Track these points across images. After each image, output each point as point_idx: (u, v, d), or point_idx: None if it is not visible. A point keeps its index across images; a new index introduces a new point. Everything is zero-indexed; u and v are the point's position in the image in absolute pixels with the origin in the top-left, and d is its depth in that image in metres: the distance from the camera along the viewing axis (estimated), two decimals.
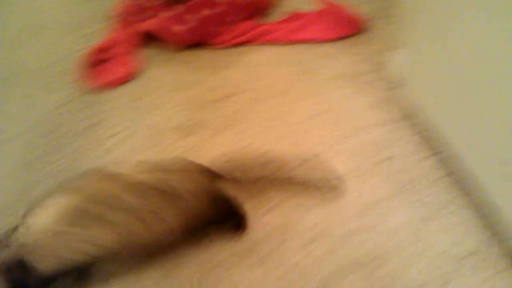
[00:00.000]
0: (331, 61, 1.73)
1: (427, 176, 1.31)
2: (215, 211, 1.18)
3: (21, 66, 1.85)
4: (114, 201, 1.07)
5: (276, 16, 1.98)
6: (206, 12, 1.84)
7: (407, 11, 1.34)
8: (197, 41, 1.84)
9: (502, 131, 1.01)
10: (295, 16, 1.93)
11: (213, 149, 1.45)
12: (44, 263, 1.06)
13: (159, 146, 1.48)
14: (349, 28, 1.83)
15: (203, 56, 1.82)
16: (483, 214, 1.20)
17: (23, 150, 1.51)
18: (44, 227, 1.04)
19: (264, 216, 1.26)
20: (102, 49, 1.82)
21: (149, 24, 1.86)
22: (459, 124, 1.18)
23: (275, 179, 1.32)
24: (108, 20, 1.99)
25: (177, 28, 1.82)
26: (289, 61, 1.75)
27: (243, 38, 1.86)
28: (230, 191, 1.23)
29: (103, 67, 1.77)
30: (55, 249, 1.06)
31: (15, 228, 1.07)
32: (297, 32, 1.86)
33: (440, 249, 1.15)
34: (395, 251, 1.15)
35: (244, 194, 1.28)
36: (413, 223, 1.21)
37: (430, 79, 1.27)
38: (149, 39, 1.87)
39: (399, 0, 1.58)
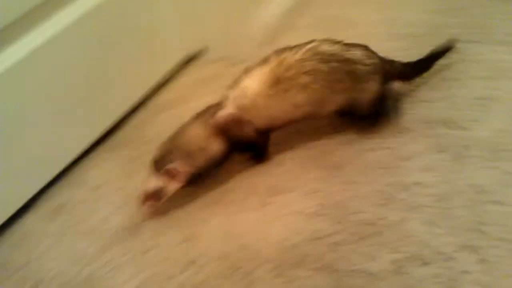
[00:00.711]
0: None
1: None
2: (375, 99, 1.38)
3: None
4: (310, 69, 1.30)
5: None
6: None
7: None
8: None
9: None
10: None
11: None
12: (258, 121, 1.34)
13: None
14: None
15: None
16: None
17: None
18: (258, 91, 1.30)
19: None
20: None
21: None
22: None
23: None
24: None
25: None
26: None
27: None
28: None
29: None
30: (268, 111, 1.32)
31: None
32: None
33: None
34: None
35: None
36: None
37: None
38: None
39: None
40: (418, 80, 1.50)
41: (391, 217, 1.20)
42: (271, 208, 1.30)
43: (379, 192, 1.26)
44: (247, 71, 1.34)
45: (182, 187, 1.31)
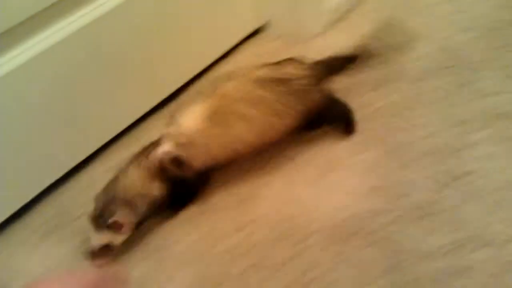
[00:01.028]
0: None
1: None
2: (325, 103, 1.32)
3: None
4: (249, 97, 1.21)
5: None
6: None
7: None
8: None
9: None
10: None
11: None
12: (198, 160, 1.22)
13: None
14: None
15: None
16: None
17: None
18: (195, 127, 1.19)
19: None
20: None
21: None
22: None
23: None
24: None
25: None
26: None
27: None
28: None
29: None
30: (208, 147, 1.20)
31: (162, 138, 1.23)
32: None
33: None
34: None
35: None
36: None
37: None
38: None
39: None
40: (480, 73, 1.53)
41: (445, 203, 1.22)
42: (327, 181, 1.32)
43: (434, 178, 1.28)
44: (181, 106, 1.26)
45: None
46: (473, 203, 1.22)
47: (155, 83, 1.52)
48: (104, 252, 1.17)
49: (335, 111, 1.39)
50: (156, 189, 1.21)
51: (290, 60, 1.32)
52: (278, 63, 1.30)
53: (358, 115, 1.44)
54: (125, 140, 1.51)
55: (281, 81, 1.24)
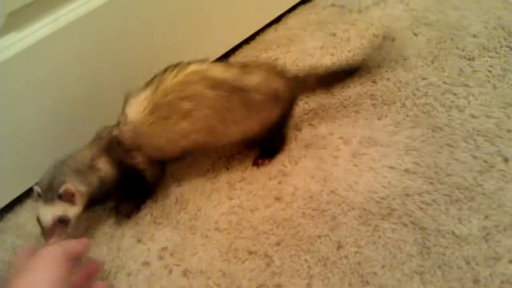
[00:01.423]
0: None
1: None
2: (272, 126, 1.26)
3: None
4: (196, 95, 1.15)
5: None
6: None
7: None
8: None
9: None
10: None
11: None
12: (144, 150, 1.20)
13: None
14: None
15: None
16: None
17: None
18: (139, 117, 1.16)
19: None
20: None
21: None
22: None
23: None
24: None
25: None
26: None
27: None
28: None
29: None
30: (152, 139, 1.18)
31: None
32: None
33: None
34: None
35: None
36: None
37: None
38: None
39: None
40: None
41: (486, 185, 1.18)
42: (363, 159, 1.30)
43: (478, 160, 1.23)
44: (129, 95, 1.20)
45: (84, 212, 1.17)
46: None
47: (205, 44, 1.52)
48: (58, 228, 1.09)
49: (272, 139, 1.33)
50: (106, 167, 1.18)
51: (264, 66, 1.26)
52: (247, 66, 1.24)
53: (410, 88, 1.42)
54: None
55: (236, 89, 1.18)
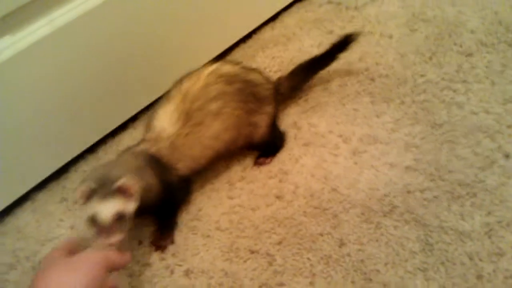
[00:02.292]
0: None
1: None
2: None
3: None
4: (223, 94, 1.19)
5: None
6: None
7: None
8: None
9: None
10: None
11: None
12: (181, 163, 1.18)
13: None
14: None
15: None
16: None
17: None
18: (172, 129, 1.16)
19: None
20: None
21: None
22: None
23: None
24: None
25: None
26: None
27: None
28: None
29: None
30: (188, 148, 1.17)
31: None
32: None
33: None
34: None
35: None
36: None
37: None
38: None
39: None
40: None
41: (489, 181, 1.18)
42: (363, 156, 1.29)
43: (479, 156, 1.23)
44: (154, 111, 1.21)
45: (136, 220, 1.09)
46: None
47: (201, 44, 1.51)
48: (117, 226, 1.01)
49: (273, 137, 1.34)
50: (148, 171, 1.13)
51: (254, 69, 1.32)
52: (246, 67, 1.29)
53: (409, 85, 1.41)
54: None
55: (248, 82, 1.24)
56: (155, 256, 1.18)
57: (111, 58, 1.28)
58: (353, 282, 1.08)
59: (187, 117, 1.16)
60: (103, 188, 1.01)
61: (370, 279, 1.08)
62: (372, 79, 1.46)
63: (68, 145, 1.30)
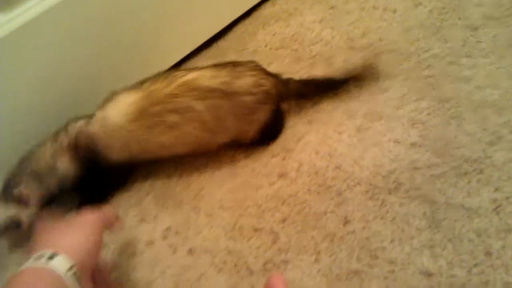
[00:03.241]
0: None
1: None
2: (266, 125, 1.23)
3: None
4: (183, 108, 1.12)
5: None
6: None
7: None
8: None
9: None
10: None
11: None
12: (114, 153, 1.15)
13: None
14: None
15: None
16: None
17: None
18: (119, 121, 1.12)
19: None
20: None
21: None
22: None
23: None
24: None
25: None
26: None
27: None
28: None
29: None
30: (127, 145, 1.14)
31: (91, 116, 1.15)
32: None
33: None
34: None
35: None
36: None
37: None
38: None
39: None
40: None
41: (496, 157, 1.16)
42: (368, 133, 1.27)
43: (486, 131, 1.21)
44: (114, 94, 1.15)
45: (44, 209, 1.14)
46: None
47: (194, 27, 1.49)
48: (13, 227, 1.10)
49: (268, 133, 1.28)
50: (64, 163, 1.14)
51: (252, 68, 1.20)
52: (236, 68, 1.18)
53: (413, 60, 1.38)
54: None
55: (229, 95, 1.14)
56: (157, 235, 1.17)
57: (108, 39, 1.26)
58: (358, 259, 1.07)
59: (140, 116, 1.11)
60: (5, 191, 1.08)
61: (376, 256, 1.06)
62: (376, 55, 1.43)
63: None
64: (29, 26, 1.07)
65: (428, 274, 1.02)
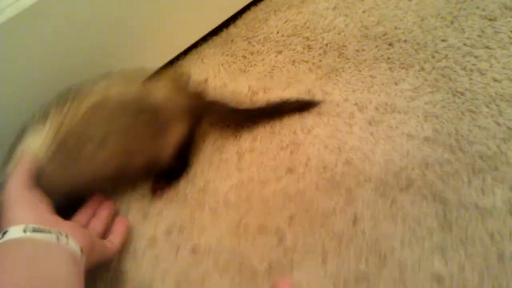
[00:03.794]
0: None
1: None
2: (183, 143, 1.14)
3: None
4: (107, 122, 1.01)
5: None
6: None
7: None
8: None
9: None
10: None
11: None
12: (55, 188, 0.99)
13: None
14: None
15: None
16: None
17: None
18: (45, 152, 0.97)
19: None
20: None
21: None
22: None
23: None
24: None
25: None
26: None
27: None
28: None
29: None
30: (63, 175, 1.01)
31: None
32: None
33: None
34: None
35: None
36: None
37: None
38: None
39: None
40: None
41: (511, 154, 1.12)
42: (380, 126, 1.23)
43: (501, 126, 1.17)
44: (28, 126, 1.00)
45: None
46: None
47: (201, 13, 1.45)
48: None
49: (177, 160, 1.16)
50: None
51: (167, 77, 1.13)
52: (150, 81, 1.09)
53: (429, 50, 1.33)
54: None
55: (141, 111, 1.04)
56: (160, 231, 1.14)
57: (112, 22, 1.21)
58: (367, 259, 1.03)
59: (58, 150, 0.97)
60: None
61: (385, 257, 1.03)
62: (391, 44, 1.38)
63: None
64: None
65: (439, 278, 0.99)
